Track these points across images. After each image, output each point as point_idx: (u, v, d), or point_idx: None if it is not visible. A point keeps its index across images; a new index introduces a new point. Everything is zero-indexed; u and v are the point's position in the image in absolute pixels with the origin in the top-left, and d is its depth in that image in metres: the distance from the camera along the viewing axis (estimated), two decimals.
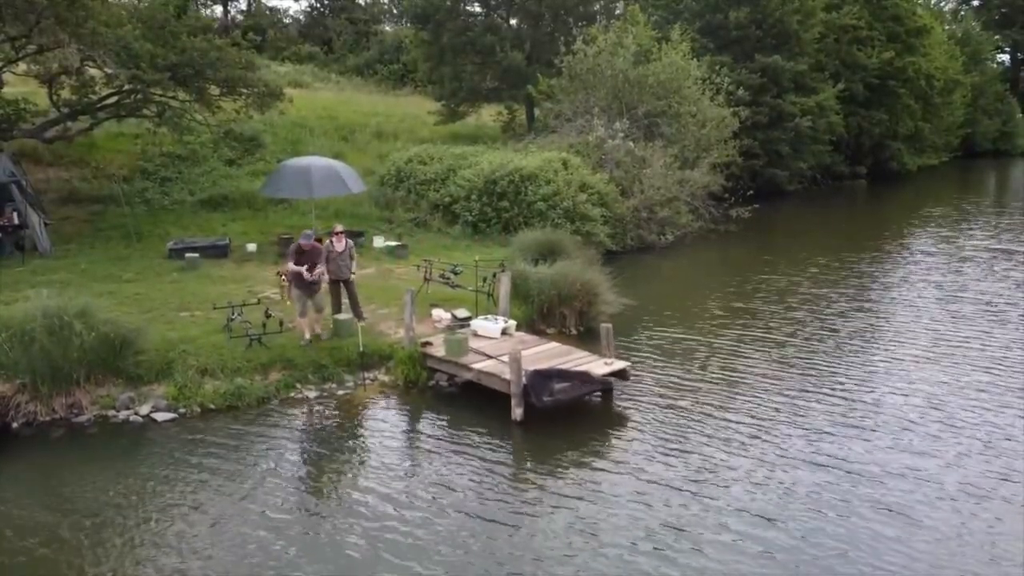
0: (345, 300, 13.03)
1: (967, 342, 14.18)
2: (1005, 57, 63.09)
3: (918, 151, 42.05)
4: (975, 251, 22.86)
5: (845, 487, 8.91)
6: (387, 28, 52.79)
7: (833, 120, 34.32)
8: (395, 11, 52.81)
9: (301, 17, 55.55)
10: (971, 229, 26.73)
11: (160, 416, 10.61)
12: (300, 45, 48.71)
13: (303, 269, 12.03)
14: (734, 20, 31.42)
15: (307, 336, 12.21)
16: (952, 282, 19.05)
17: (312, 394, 11.48)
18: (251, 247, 17.48)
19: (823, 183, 35.76)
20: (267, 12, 52.89)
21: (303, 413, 11.01)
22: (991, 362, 13.10)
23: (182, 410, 10.74)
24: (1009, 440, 10.09)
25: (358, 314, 12.89)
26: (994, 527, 8.13)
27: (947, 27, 52.32)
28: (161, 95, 18.38)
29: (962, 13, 59.63)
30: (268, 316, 12.12)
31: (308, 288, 12.13)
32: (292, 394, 11.40)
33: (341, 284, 12.89)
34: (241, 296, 13.45)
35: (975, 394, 11.69)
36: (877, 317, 16.11)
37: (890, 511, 8.38)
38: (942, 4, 58.85)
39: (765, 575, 7.37)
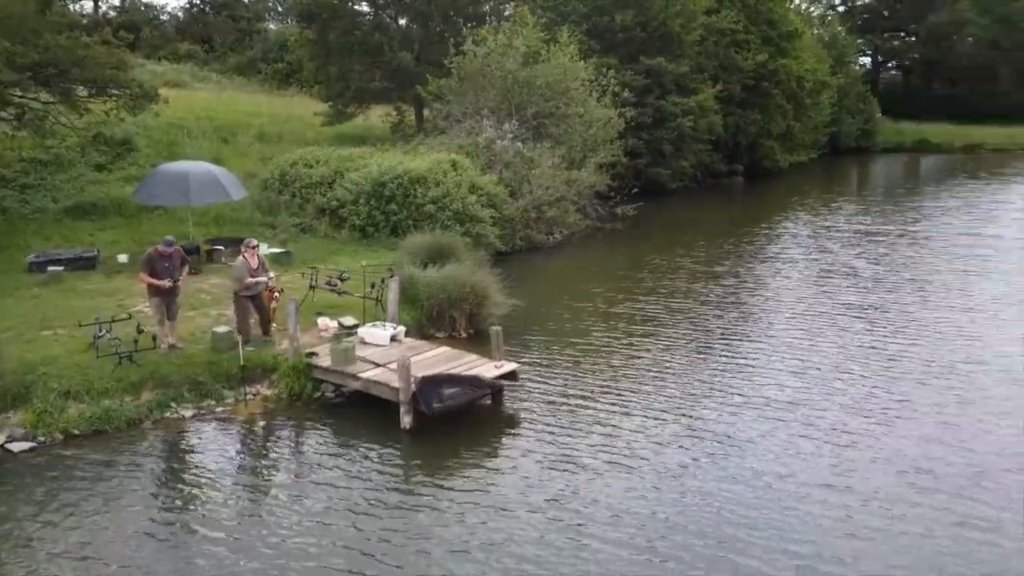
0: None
1: (836, 307, 16.34)
2: (867, 60, 67.35)
3: (789, 149, 44.09)
4: (839, 233, 24.89)
5: (736, 476, 9.27)
6: (271, 26, 51.19)
7: (713, 120, 35.60)
8: (279, 8, 51.29)
9: (179, 14, 53.10)
10: (836, 215, 28.62)
11: (16, 446, 9.86)
12: (178, 43, 46.52)
13: (163, 283, 11.62)
14: (620, 23, 32.11)
15: (164, 345, 11.70)
16: (820, 259, 21.23)
17: (188, 413, 10.95)
18: (122, 258, 16.47)
19: (703, 181, 37.13)
20: (142, 8, 50.26)
21: (178, 434, 10.49)
22: (854, 322, 15.29)
23: (41, 438, 10.01)
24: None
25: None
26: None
27: (815, 31, 55.26)
28: (21, 96, 17.16)
29: (828, 18, 63.16)
30: (140, 332, 11.46)
31: (167, 295, 11.71)
32: (167, 414, 10.84)
33: (250, 300, 12.14)
34: (111, 311, 12.67)
35: (843, 351, 13.66)
36: (757, 298, 17.42)
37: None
38: (811, 9, 62.15)
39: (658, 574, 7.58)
